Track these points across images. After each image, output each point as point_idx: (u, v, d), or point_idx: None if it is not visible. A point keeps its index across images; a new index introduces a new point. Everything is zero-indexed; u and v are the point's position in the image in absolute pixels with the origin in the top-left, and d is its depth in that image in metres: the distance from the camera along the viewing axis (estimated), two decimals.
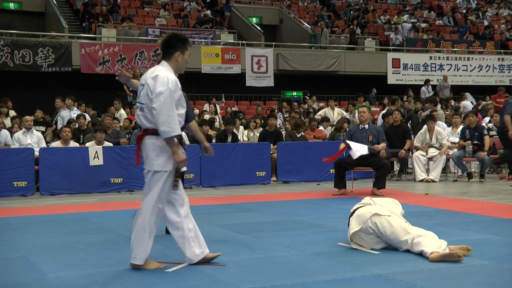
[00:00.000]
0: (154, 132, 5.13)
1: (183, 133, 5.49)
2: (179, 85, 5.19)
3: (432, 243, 5.52)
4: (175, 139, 5.07)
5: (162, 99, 4.98)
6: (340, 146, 11.26)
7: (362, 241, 5.91)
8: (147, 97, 5.10)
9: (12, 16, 24.11)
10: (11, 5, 24.19)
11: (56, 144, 12.20)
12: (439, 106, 18.43)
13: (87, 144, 12.02)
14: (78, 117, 14.10)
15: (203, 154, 12.18)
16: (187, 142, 5.47)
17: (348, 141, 10.81)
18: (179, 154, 5.12)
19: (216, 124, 16.39)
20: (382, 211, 5.82)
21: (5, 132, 12.37)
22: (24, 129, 12.40)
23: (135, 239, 5.20)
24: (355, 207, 6.11)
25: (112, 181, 11.65)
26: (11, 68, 19.84)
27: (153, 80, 5.07)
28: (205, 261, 5.33)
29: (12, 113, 15.34)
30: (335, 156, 10.97)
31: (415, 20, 29.46)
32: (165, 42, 5.39)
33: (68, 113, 15.01)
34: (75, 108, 15.59)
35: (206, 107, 19.23)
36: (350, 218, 6.03)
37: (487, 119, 17.43)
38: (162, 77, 5.07)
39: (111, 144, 12.17)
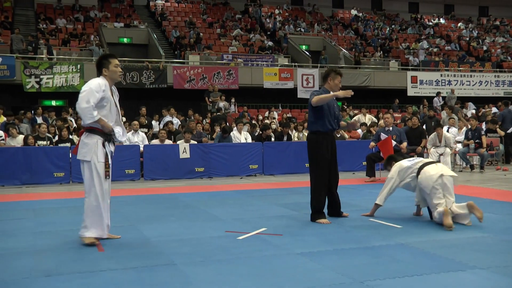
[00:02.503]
0: (85, 130, 5.08)
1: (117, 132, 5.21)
2: (104, 88, 4.99)
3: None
4: (101, 119, 4.97)
5: (82, 95, 4.93)
6: (371, 144, 11.17)
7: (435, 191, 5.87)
8: None
9: (125, 48, 24.67)
10: (125, 40, 24.78)
11: (155, 142, 12.43)
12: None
13: (178, 142, 12.19)
14: (166, 123, 14.32)
15: (264, 150, 12.28)
16: (122, 139, 5.26)
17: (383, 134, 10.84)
18: (106, 125, 5.02)
19: (274, 126, 16.37)
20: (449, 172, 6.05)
21: None
22: (132, 131, 12.67)
23: (87, 217, 5.04)
24: (424, 162, 6.18)
25: (196, 170, 11.79)
26: (124, 86, 20.23)
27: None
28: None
29: (124, 119, 15.68)
30: (383, 143, 10.70)
31: (429, 46, 28.99)
32: (96, 63, 5.27)
33: (170, 118, 15.39)
34: (173, 117, 15.99)
35: (266, 114, 19.27)
36: (436, 164, 6.09)
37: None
38: (89, 82, 5.06)
39: (195, 142, 12.31)
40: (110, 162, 5.16)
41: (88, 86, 4.98)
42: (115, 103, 5.20)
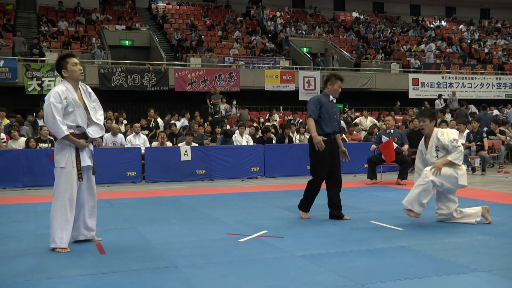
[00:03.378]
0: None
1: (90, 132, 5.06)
2: (64, 96, 4.85)
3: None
4: (70, 137, 4.86)
5: (46, 111, 4.84)
6: (372, 147, 11.18)
7: None
8: None
9: (127, 50, 24.74)
10: (126, 42, 24.83)
11: (155, 144, 12.44)
12: (449, 115, 18.07)
13: (179, 145, 12.19)
14: (170, 125, 14.33)
15: (266, 152, 12.29)
16: (96, 136, 5.11)
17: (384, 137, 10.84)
18: (78, 143, 4.92)
19: (273, 130, 16.33)
20: None
21: (121, 135, 12.67)
22: (134, 133, 12.67)
23: (51, 225, 4.91)
24: None
25: (197, 172, 11.78)
26: (125, 88, 20.35)
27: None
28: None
29: (125, 121, 15.71)
30: (385, 146, 10.72)
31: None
32: (55, 67, 5.13)
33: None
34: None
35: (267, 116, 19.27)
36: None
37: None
38: (49, 93, 4.90)
39: (196, 144, 12.31)
40: (89, 163, 5.06)
41: (48, 99, 4.84)
42: (84, 103, 5.03)
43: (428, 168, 5.94)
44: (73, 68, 4.98)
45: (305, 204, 6.57)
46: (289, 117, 19.18)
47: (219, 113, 17.54)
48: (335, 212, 6.45)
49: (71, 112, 4.93)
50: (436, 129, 6.11)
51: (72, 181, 4.94)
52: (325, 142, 6.23)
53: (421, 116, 6.20)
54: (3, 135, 11.95)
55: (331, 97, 6.47)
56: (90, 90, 5.18)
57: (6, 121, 13.65)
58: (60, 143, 4.95)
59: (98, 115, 5.14)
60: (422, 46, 29.15)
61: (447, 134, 6.00)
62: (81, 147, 4.98)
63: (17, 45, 20.52)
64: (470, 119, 15.55)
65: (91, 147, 5.16)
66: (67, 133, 4.86)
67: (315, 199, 6.56)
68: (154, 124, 15.30)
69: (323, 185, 6.49)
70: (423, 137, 6.29)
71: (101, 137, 12.30)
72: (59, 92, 4.88)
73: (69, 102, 4.90)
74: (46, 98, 4.90)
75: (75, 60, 5.04)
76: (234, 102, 20.24)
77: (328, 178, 6.43)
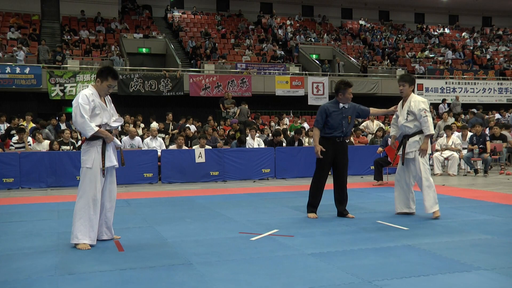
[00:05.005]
0: (86, 138, 5.01)
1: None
2: (92, 98, 4.94)
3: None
4: (100, 130, 4.93)
5: (75, 112, 4.91)
6: (379, 149, 11.13)
7: None
8: None
9: (144, 57, 24.87)
10: (144, 50, 24.97)
11: (172, 147, 12.47)
12: (452, 119, 17.93)
13: (194, 147, 12.21)
14: (185, 129, 14.36)
15: (276, 155, 12.27)
16: (119, 143, 5.14)
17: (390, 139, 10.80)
18: (108, 136, 5.01)
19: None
20: None
21: (138, 138, 12.71)
22: (151, 136, 12.71)
23: (73, 222, 4.94)
24: None
25: (211, 174, 11.79)
26: (142, 94, 20.45)
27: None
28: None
29: (142, 125, 15.77)
30: (391, 148, 10.70)
31: (434, 55, 28.83)
32: (100, 70, 5.17)
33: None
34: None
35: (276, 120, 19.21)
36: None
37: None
38: (77, 95, 5.01)
39: (210, 147, 12.32)
40: (115, 163, 5.10)
41: (76, 102, 4.94)
42: (107, 108, 5.13)
43: (422, 169, 6.24)
44: (106, 88, 5.09)
45: (311, 205, 6.60)
46: (302, 124, 19.11)
47: (244, 117, 17.41)
48: (339, 208, 6.55)
49: (98, 114, 5.02)
50: (412, 94, 6.45)
51: (97, 181, 4.98)
52: (330, 144, 6.39)
53: (401, 81, 6.54)
54: (29, 139, 12.05)
55: (341, 105, 6.45)
56: (109, 98, 5.29)
57: (32, 124, 13.77)
58: (87, 144, 5.02)
59: (113, 119, 5.22)
60: (426, 52, 28.99)
61: (419, 103, 6.33)
62: (109, 139, 5.04)
63: (42, 53, 20.73)
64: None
65: (118, 141, 5.23)
66: (96, 129, 4.93)
67: (320, 200, 6.56)
68: (172, 127, 15.35)
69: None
70: (401, 101, 6.57)
71: (120, 140, 12.34)
72: (87, 95, 4.98)
73: (96, 105, 5.00)
74: (74, 100, 4.99)
75: (113, 83, 5.12)
76: (246, 107, 20.25)
77: (334, 178, 6.58)
